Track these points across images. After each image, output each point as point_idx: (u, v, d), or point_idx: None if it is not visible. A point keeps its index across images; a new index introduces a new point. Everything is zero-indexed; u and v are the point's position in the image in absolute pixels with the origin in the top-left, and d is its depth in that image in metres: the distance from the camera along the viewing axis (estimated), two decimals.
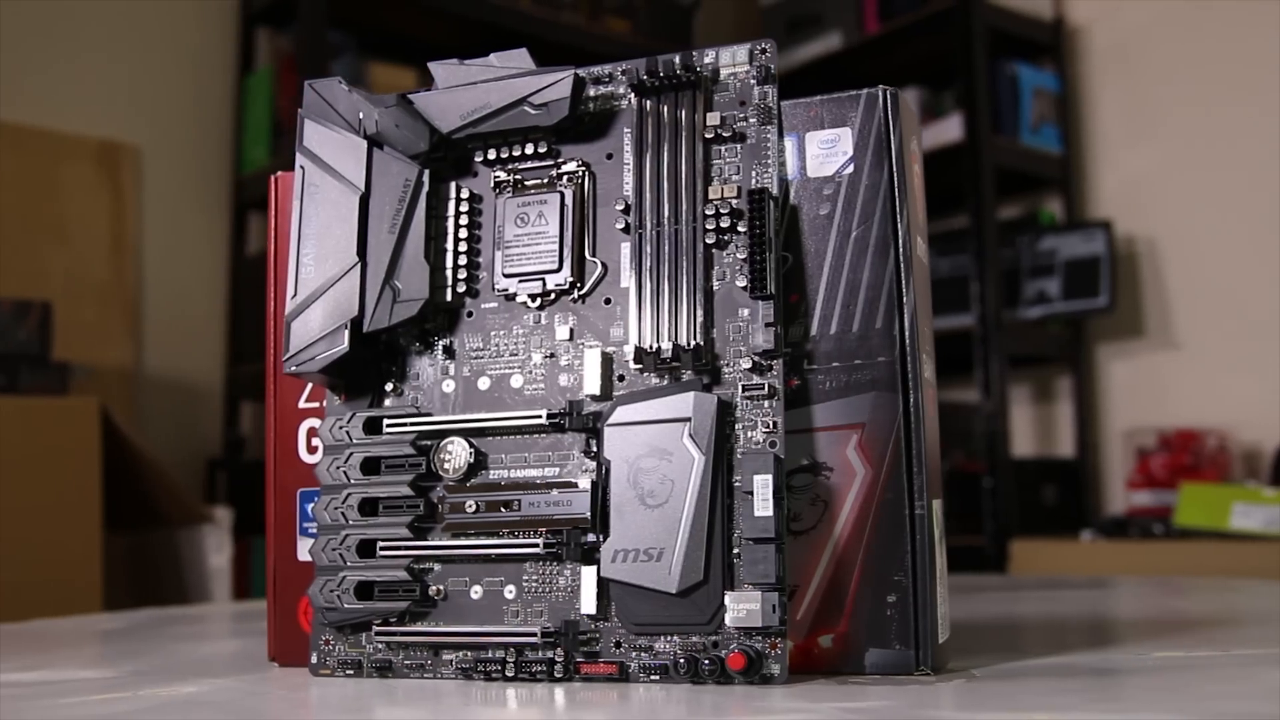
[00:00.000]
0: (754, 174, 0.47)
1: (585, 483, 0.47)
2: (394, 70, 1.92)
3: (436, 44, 2.02)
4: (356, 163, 0.50)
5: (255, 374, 1.79)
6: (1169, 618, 0.68)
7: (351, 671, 0.49)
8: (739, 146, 0.48)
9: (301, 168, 0.51)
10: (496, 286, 0.50)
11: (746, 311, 0.46)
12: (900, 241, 0.46)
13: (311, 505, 0.52)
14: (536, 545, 0.46)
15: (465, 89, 0.50)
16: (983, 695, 0.40)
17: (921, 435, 0.45)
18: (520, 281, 0.49)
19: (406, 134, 0.50)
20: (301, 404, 0.54)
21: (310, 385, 0.54)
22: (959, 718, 0.36)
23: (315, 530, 0.52)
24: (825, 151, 0.47)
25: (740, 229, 0.46)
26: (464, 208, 0.51)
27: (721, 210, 0.47)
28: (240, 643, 0.65)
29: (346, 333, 0.49)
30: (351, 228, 0.50)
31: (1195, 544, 1.56)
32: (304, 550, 0.53)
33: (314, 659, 0.49)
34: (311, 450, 0.54)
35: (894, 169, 0.47)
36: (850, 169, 0.47)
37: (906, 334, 0.46)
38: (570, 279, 0.49)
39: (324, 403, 0.53)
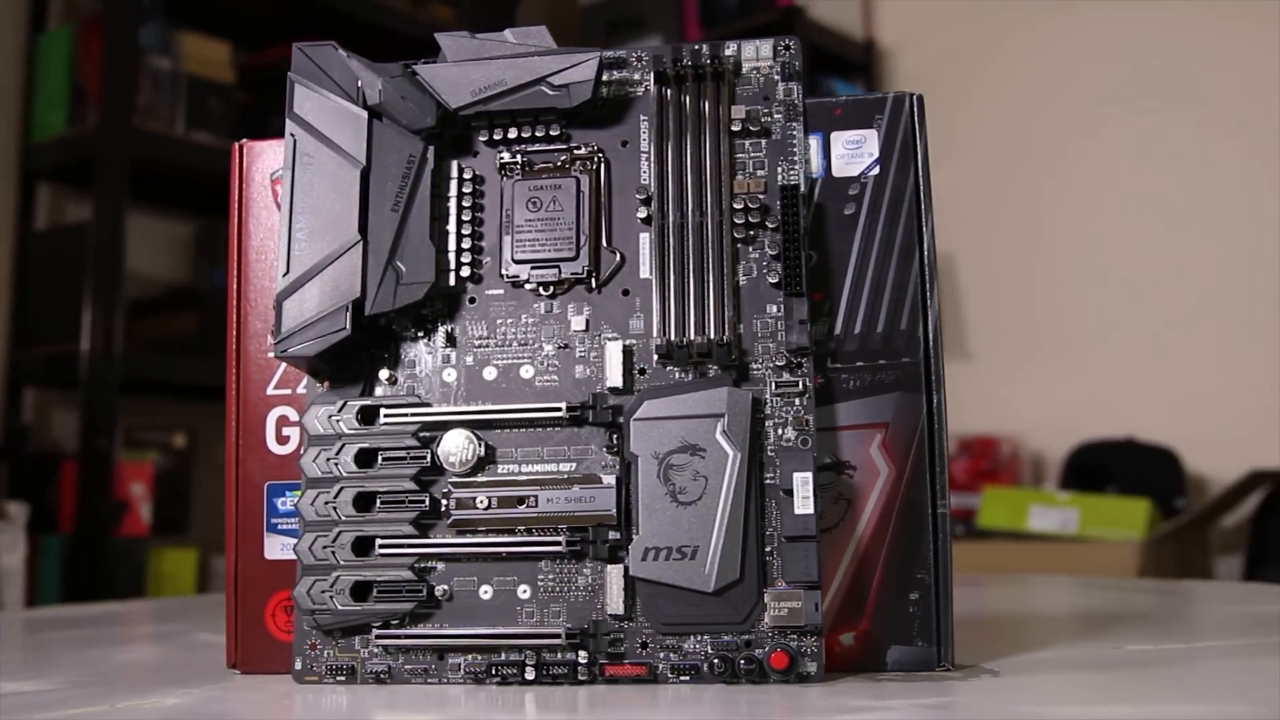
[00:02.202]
0: (780, 170, 0.47)
1: (609, 478, 0.45)
2: (205, 41, 1.81)
3: (250, 18, 1.92)
4: (356, 134, 0.47)
5: (45, 358, 1.65)
6: (1066, 613, 0.72)
7: (343, 678, 0.45)
8: (763, 141, 0.47)
9: (292, 136, 0.47)
10: (505, 272, 0.47)
11: (774, 308, 0.46)
12: (925, 244, 0.47)
13: (293, 500, 0.49)
14: (559, 543, 0.45)
15: (477, 64, 0.48)
16: (1044, 689, 0.41)
17: (944, 436, 0.46)
18: (533, 268, 0.47)
19: (412, 107, 0.47)
20: (270, 390, 0.50)
21: (281, 370, 0.50)
22: (1056, 712, 0.37)
23: (287, 527, 0.49)
24: (851, 152, 0.47)
25: (769, 225, 0.46)
26: (467, 188, 0.48)
27: (750, 205, 0.46)
28: (160, 649, 0.60)
29: (348, 315, 0.46)
30: (351, 203, 0.46)
31: (995, 544, 1.66)
32: (272, 548, 0.49)
33: (298, 665, 0.46)
34: (282, 440, 0.50)
35: (919, 173, 0.47)
36: (876, 170, 0.47)
37: (931, 335, 0.47)
38: (587, 267, 0.47)
39: (296, 390, 0.50)
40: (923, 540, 0.46)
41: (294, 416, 0.50)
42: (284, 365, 0.50)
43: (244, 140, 0.52)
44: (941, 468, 0.46)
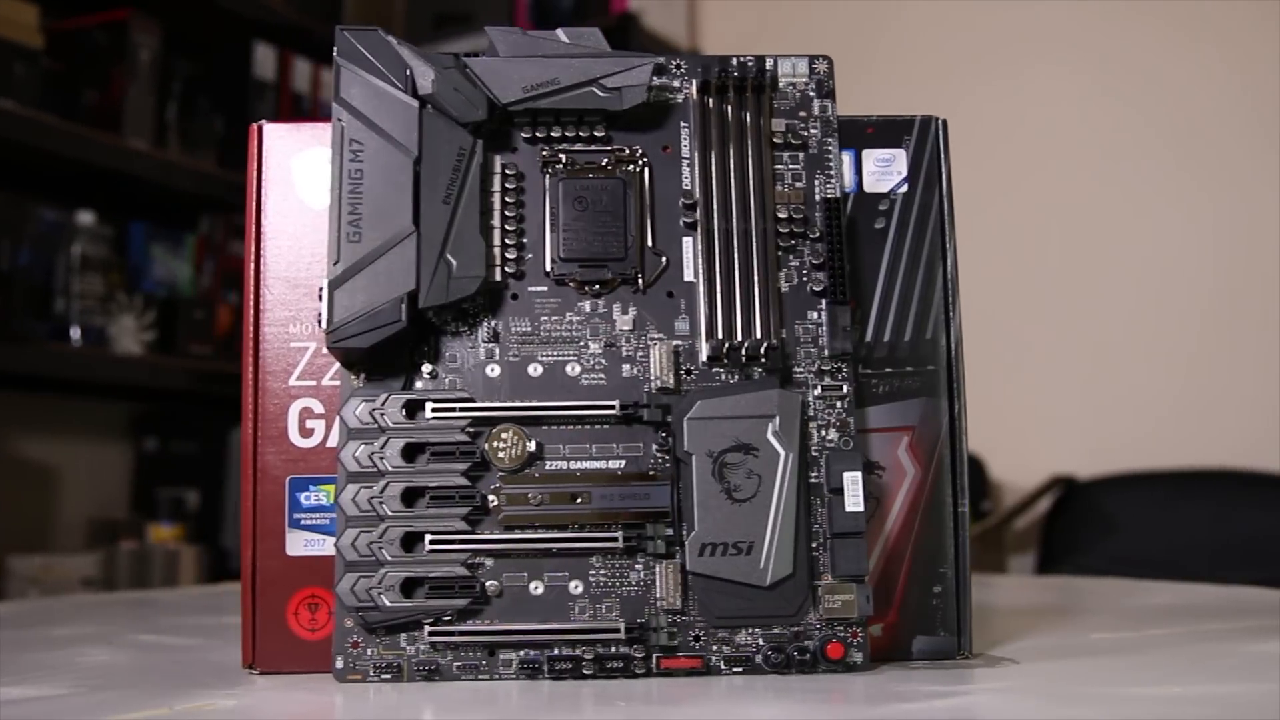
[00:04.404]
0: (818, 183, 0.49)
1: (664, 475, 0.46)
2: (10, 2, 1.68)
3: None
4: (407, 124, 0.46)
5: None
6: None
7: (389, 676, 0.45)
8: (800, 154, 0.49)
9: (339, 121, 0.46)
10: (550, 270, 0.48)
11: (815, 314, 0.48)
12: (948, 259, 0.50)
13: (319, 495, 0.47)
14: (615, 539, 0.45)
15: (530, 61, 0.48)
16: (1079, 673, 0.45)
17: (964, 439, 0.49)
18: (581, 266, 0.48)
19: (463, 99, 0.47)
20: (293, 382, 0.48)
21: (305, 360, 0.49)
22: (1126, 692, 0.40)
23: (311, 522, 0.47)
24: (881, 169, 0.50)
25: (810, 235, 0.48)
26: (510, 184, 0.48)
27: (795, 215, 0.48)
28: (125, 651, 0.56)
29: (404, 307, 0.45)
30: (404, 194, 0.46)
31: None
32: (295, 544, 0.48)
33: (339, 664, 0.45)
34: (306, 433, 0.48)
35: (944, 192, 0.50)
36: (904, 188, 0.50)
37: (953, 345, 0.50)
38: (634, 268, 0.48)
39: (322, 382, 0.48)
40: (945, 536, 0.49)
41: (318, 409, 0.48)
42: (308, 355, 0.48)
43: (262, 121, 0.50)
44: (961, 469, 0.49)
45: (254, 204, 0.49)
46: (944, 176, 0.50)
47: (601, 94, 0.48)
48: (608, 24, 2.01)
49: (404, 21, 2.24)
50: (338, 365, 0.48)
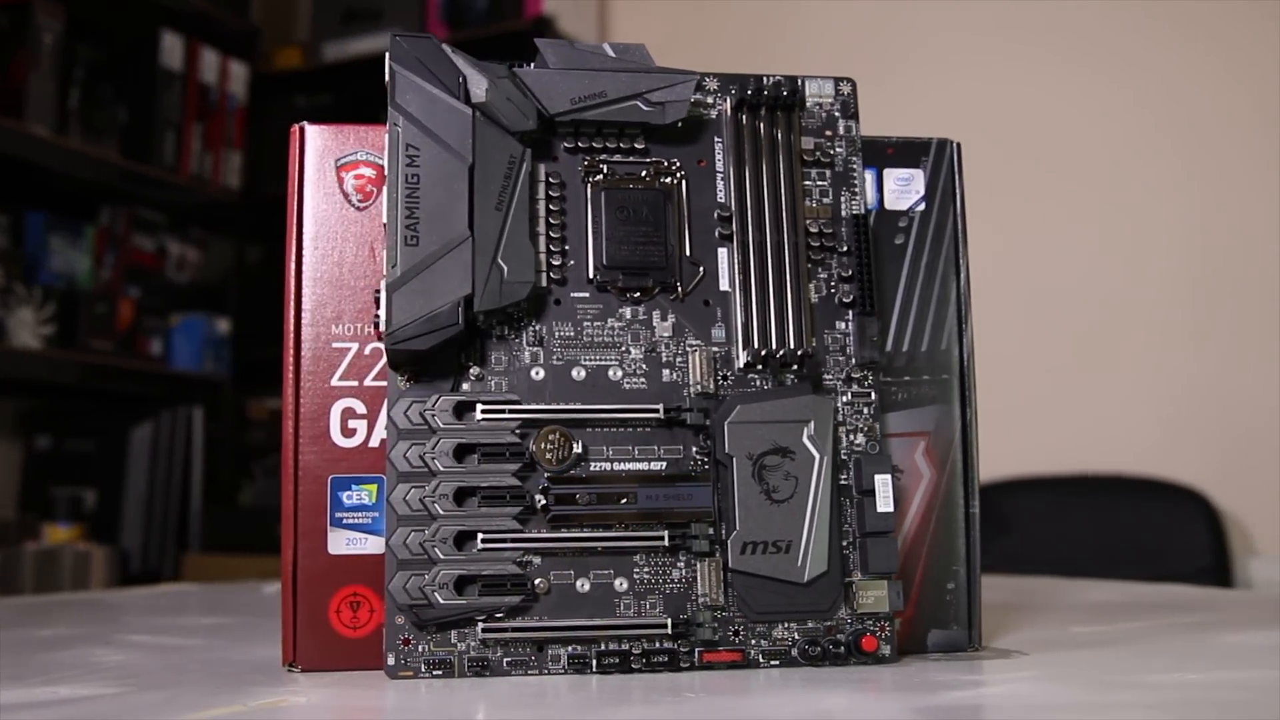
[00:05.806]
0: (844, 200, 0.51)
1: (704, 477, 0.48)
2: None
3: None
4: (462, 131, 0.47)
5: None
6: None
7: (440, 673, 0.46)
8: (827, 172, 0.52)
9: (395, 126, 0.47)
10: (593, 277, 0.49)
11: (843, 324, 0.50)
12: (962, 275, 0.53)
13: (360, 494, 0.48)
14: (661, 538, 0.47)
15: (579, 73, 0.49)
16: (1088, 663, 0.48)
17: (976, 444, 0.53)
18: (624, 274, 0.49)
19: (514, 109, 0.48)
20: (335, 381, 0.49)
21: (347, 361, 0.49)
22: (1147, 679, 0.44)
23: (353, 521, 0.48)
24: (901, 188, 0.53)
25: (838, 249, 0.51)
26: (554, 192, 0.50)
27: (825, 230, 0.50)
28: (127, 652, 0.56)
29: (460, 311, 0.46)
30: (460, 199, 0.47)
31: None
32: (337, 543, 0.48)
33: (391, 660, 0.45)
34: (348, 433, 0.49)
35: (958, 211, 0.53)
36: (922, 206, 0.53)
37: (966, 355, 0.53)
38: (673, 277, 0.50)
39: (364, 382, 0.49)
40: (957, 536, 0.52)
41: (360, 409, 0.49)
42: (350, 356, 0.49)
43: (303, 123, 0.50)
44: (973, 473, 0.52)
45: (295, 205, 0.49)
46: (958, 196, 0.53)
47: (645, 108, 0.49)
48: (522, 26, 2.02)
49: (311, 14, 2.20)
50: (380, 366, 0.49)
